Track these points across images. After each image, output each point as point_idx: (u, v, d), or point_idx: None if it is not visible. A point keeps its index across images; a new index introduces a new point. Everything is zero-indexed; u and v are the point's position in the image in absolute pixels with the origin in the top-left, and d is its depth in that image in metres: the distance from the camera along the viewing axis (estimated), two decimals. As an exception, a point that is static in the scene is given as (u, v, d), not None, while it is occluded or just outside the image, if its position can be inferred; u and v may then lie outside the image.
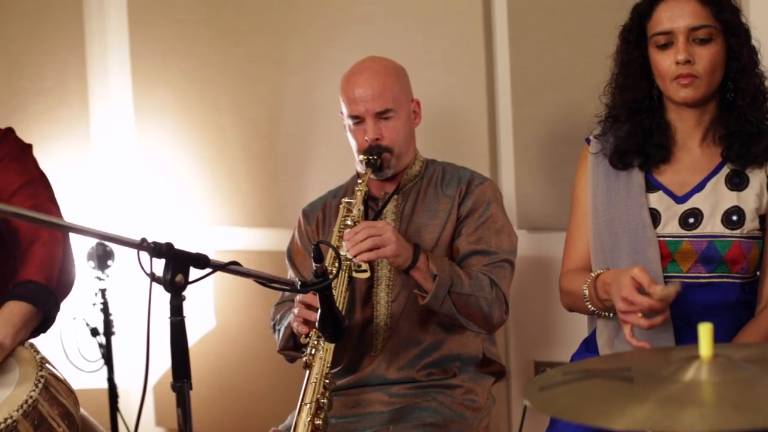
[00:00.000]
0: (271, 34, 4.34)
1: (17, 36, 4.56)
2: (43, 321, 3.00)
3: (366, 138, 3.18)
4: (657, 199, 2.83)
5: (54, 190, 3.21)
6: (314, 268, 2.47)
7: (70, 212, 3.31)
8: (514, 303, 3.82)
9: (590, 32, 3.58)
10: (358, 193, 3.15)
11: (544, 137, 3.75)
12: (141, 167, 4.76)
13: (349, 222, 3.11)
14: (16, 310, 2.90)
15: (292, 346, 3.23)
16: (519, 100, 3.79)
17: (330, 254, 2.98)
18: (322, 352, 2.94)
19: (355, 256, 2.95)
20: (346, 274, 3.02)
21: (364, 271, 3.01)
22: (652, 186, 2.85)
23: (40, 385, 2.75)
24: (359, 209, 3.13)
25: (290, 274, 3.40)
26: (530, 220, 3.82)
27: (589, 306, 2.82)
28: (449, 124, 3.92)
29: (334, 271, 2.79)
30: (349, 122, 3.24)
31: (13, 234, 3.10)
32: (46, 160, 3.33)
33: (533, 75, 3.75)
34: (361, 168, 3.22)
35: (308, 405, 2.88)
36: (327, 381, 2.91)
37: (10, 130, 3.22)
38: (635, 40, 2.84)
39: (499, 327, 3.22)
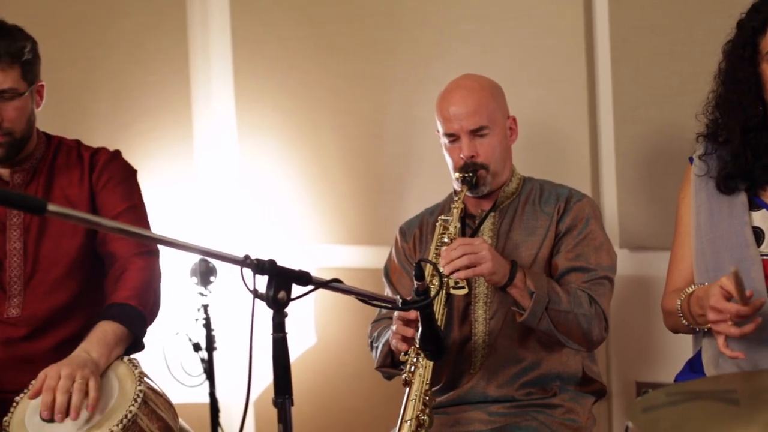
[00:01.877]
0: (373, 52, 4.36)
1: (123, 57, 4.64)
2: (131, 346, 3.04)
3: (461, 156, 3.18)
4: (761, 218, 2.79)
5: (153, 212, 3.29)
6: (416, 286, 2.47)
7: (173, 229, 3.36)
8: (616, 322, 3.78)
9: (694, 49, 3.54)
10: (455, 211, 3.15)
11: (646, 155, 3.71)
12: (243, 184, 4.81)
13: (445, 239, 3.11)
14: (110, 329, 2.94)
15: (390, 363, 3.24)
16: (621, 117, 3.76)
17: (429, 271, 2.98)
18: (421, 369, 2.93)
19: (450, 274, 2.95)
20: (444, 291, 3.01)
21: (462, 287, 3.01)
22: (755, 204, 2.81)
23: (139, 400, 2.78)
24: (455, 226, 3.13)
25: (387, 292, 3.41)
26: (632, 238, 3.78)
27: (683, 321, 2.80)
28: (550, 142, 3.90)
29: (434, 289, 2.79)
30: (444, 140, 3.24)
31: (109, 259, 3.16)
32: (151, 177, 3.39)
33: (636, 92, 3.71)
34: (457, 186, 3.22)
35: (408, 422, 2.88)
36: (427, 398, 2.91)
37: (117, 153, 3.30)
38: (749, 57, 2.79)
39: (599, 345, 3.19)
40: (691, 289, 2.80)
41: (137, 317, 3.01)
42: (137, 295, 3.03)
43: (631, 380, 3.86)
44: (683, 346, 3.15)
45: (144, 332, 3.06)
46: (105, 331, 2.93)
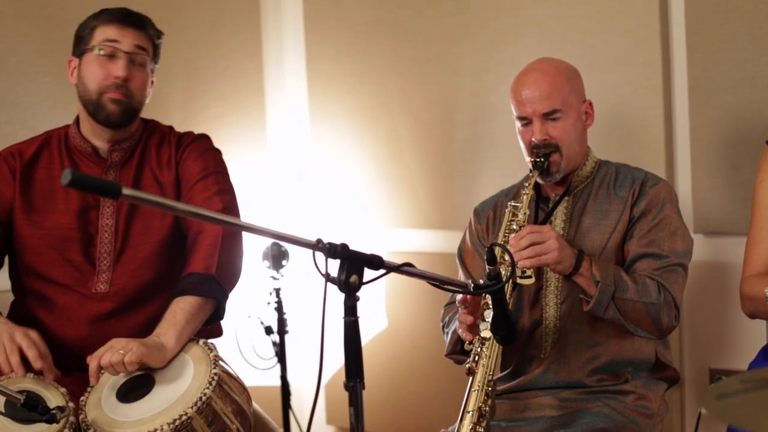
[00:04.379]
0: (445, 37, 4.36)
1: (196, 42, 4.68)
2: (215, 310, 3.08)
3: (533, 139, 3.16)
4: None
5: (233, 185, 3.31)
6: (487, 270, 2.47)
7: (246, 212, 3.38)
8: (690, 309, 3.75)
9: (771, 32, 3.50)
10: (524, 197, 3.12)
11: (722, 139, 3.67)
12: (316, 169, 4.83)
13: (514, 226, 3.09)
14: (178, 308, 2.99)
15: (460, 350, 3.23)
16: (696, 101, 3.72)
17: (500, 256, 2.97)
18: (485, 360, 2.92)
19: (517, 263, 2.94)
20: (511, 280, 2.99)
21: (529, 277, 2.99)
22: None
23: (213, 383, 2.81)
24: (525, 213, 3.10)
25: (460, 275, 3.40)
26: (707, 224, 3.74)
27: None
28: (625, 127, 3.87)
29: (505, 274, 2.78)
30: (518, 124, 3.22)
31: (187, 227, 3.22)
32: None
33: (711, 76, 3.67)
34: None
35: (470, 413, 2.87)
36: (489, 389, 2.90)
37: (204, 135, 3.37)
38: None
39: (670, 332, 3.15)
40: None
41: (205, 282, 3.04)
42: (203, 260, 3.07)
43: (705, 367, 3.83)
44: (757, 333, 3.11)
45: (221, 292, 3.07)
46: (174, 311, 2.98)
